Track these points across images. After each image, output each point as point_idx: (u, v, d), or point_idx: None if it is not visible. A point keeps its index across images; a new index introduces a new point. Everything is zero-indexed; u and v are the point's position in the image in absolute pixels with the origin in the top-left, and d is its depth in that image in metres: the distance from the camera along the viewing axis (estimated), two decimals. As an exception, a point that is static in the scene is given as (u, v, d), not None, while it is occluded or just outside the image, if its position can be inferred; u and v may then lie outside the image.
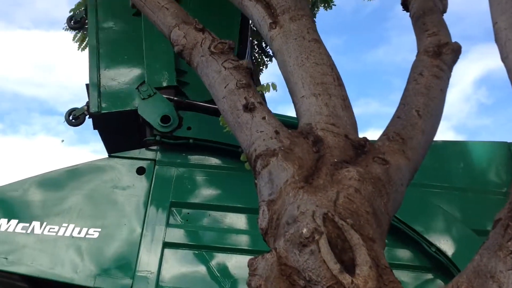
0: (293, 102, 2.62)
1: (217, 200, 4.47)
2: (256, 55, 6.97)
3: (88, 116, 5.21)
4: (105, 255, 4.14)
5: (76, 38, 5.89)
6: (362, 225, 1.98)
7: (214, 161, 4.66)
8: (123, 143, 5.03)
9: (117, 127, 5.07)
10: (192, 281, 4.12)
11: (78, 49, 5.89)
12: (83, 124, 5.28)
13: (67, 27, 5.82)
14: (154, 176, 4.46)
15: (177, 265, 4.17)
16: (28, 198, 4.34)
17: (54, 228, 4.19)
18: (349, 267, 1.85)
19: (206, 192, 4.53)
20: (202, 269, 4.17)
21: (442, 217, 4.31)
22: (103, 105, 5.06)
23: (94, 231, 4.20)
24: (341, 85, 2.57)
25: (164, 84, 5.09)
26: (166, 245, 4.18)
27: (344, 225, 1.92)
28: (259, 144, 2.35)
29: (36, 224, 4.20)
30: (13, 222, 4.21)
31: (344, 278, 1.79)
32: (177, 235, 4.26)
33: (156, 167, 4.50)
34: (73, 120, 5.26)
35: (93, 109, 5.03)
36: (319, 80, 2.52)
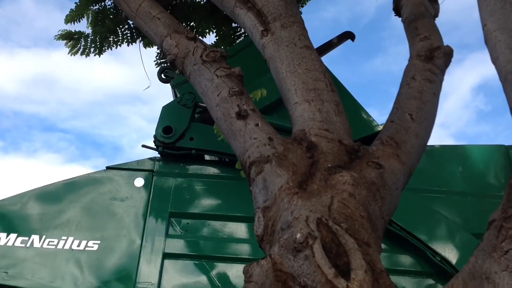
0: (287, 108, 2.63)
1: (216, 210, 4.46)
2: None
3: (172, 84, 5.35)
4: (105, 267, 4.13)
5: (68, 44, 5.88)
6: (357, 230, 1.98)
7: (212, 170, 4.66)
8: None
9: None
10: None
11: (69, 53, 5.85)
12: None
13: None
14: (152, 187, 4.46)
15: (177, 275, 4.15)
16: (26, 211, 4.33)
17: (53, 241, 4.18)
18: (344, 271, 1.85)
19: (205, 202, 4.52)
20: (202, 279, 4.15)
21: (443, 223, 4.29)
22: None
23: (94, 243, 4.18)
24: (333, 90, 2.58)
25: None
26: (166, 255, 4.17)
27: (339, 229, 1.92)
28: (252, 151, 2.35)
29: (35, 237, 4.19)
30: (13, 236, 4.20)
31: (339, 282, 1.79)
32: (177, 245, 4.24)
33: (154, 177, 4.50)
34: (164, 78, 5.41)
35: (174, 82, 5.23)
36: (312, 86, 2.53)
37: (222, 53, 2.65)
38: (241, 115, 2.42)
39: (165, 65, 5.58)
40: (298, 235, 1.86)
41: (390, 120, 2.55)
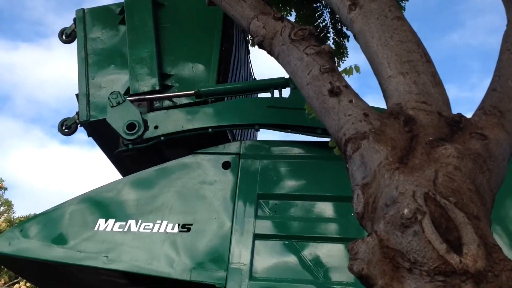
0: (379, 83, 2.56)
1: (304, 190, 4.46)
2: (336, 38, 6.88)
3: (79, 125, 5.41)
4: (198, 249, 4.24)
5: None
6: (465, 203, 1.91)
7: (297, 151, 4.65)
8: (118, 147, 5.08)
9: (108, 133, 5.09)
10: (285, 271, 4.13)
11: None
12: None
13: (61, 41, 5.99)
14: (239, 169, 4.51)
15: (268, 256, 4.20)
16: (122, 198, 4.53)
17: (149, 225, 4.34)
18: (455, 247, 1.79)
19: (292, 183, 4.53)
20: (293, 259, 4.17)
21: None
22: (92, 113, 5.29)
23: (187, 226, 4.31)
24: (429, 61, 2.48)
25: (146, 89, 5.22)
26: (257, 236, 4.22)
27: (447, 203, 1.86)
28: (348, 128, 2.31)
29: (132, 222, 4.37)
30: (111, 221, 4.40)
31: (451, 258, 1.73)
32: (266, 226, 4.29)
33: (241, 160, 4.55)
34: (65, 130, 5.48)
35: (82, 118, 5.29)
36: (406, 58, 2.45)
37: (310, 30, 2.62)
38: (334, 92, 2.39)
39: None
40: (406, 211, 1.82)
41: (491, 88, 2.42)
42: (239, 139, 5.69)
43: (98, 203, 4.56)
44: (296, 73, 2.59)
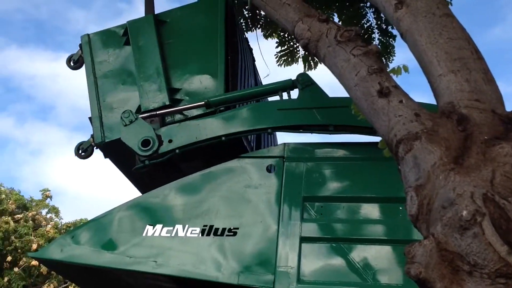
0: (429, 82, 2.51)
1: (349, 192, 4.42)
2: (381, 38, 6.81)
3: (95, 147, 5.48)
4: (245, 252, 4.26)
5: None
6: (525, 204, 1.85)
7: (342, 152, 4.62)
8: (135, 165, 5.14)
9: (124, 152, 5.16)
10: (332, 274, 4.11)
11: None
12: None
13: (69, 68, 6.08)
14: (284, 172, 4.51)
15: (316, 259, 4.18)
16: (169, 203, 4.59)
17: (195, 230, 4.38)
18: (516, 248, 1.74)
19: (337, 184, 4.50)
20: (341, 261, 4.13)
21: None
22: (106, 134, 5.34)
23: (233, 230, 4.33)
24: (480, 58, 2.42)
25: (157, 105, 5.28)
26: (303, 239, 4.21)
27: (506, 204, 1.81)
28: (399, 128, 2.28)
29: (179, 227, 4.42)
30: (158, 227, 4.47)
31: (514, 260, 1.68)
32: (313, 229, 4.27)
33: (285, 163, 4.55)
34: (82, 154, 5.55)
35: (97, 140, 5.36)
36: (456, 56, 2.39)
37: (357, 31, 2.59)
38: (383, 93, 2.36)
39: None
40: (465, 213, 1.78)
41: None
42: (253, 144, 5.77)
43: (146, 209, 4.63)
44: (343, 74, 2.57)
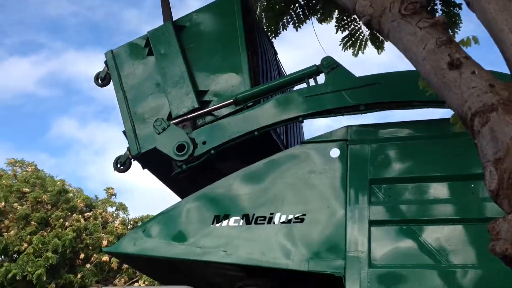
0: (501, 51, 2.38)
1: (416, 172, 4.30)
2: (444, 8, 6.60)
3: (132, 159, 5.59)
4: (313, 238, 4.23)
5: None
6: None
7: (405, 132, 4.51)
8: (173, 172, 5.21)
9: (161, 160, 5.24)
10: (404, 256, 4.02)
11: None
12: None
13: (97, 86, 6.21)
14: (348, 156, 4.44)
15: (386, 242, 4.10)
16: (235, 192, 4.63)
17: (262, 218, 4.40)
18: None
19: (403, 165, 4.39)
20: (413, 243, 4.04)
21: None
22: (141, 145, 5.44)
23: (300, 216, 4.31)
24: (557, 21, 2.27)
25: (187, 110, 5.35)
26: (372, 223, 4.14)
27: None
28: (473, 101, 2.18)
29: (245, 216, 4.45)
30: (226, 216, 4.51)
31: None
32: (381, 212, 4.19)
33: (350, 146, 4.47)
34: (121, 167, 5.69)
35: (134, 152, 5.48)
36: (529, 21, 2.26)
37: (421, 3, 2.49)
38: (454, 65, 2.26)
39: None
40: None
41: None
42: (283, 137, 5.81)
43: (213, 200, 4.69)
44: (410, 49, 2.48)
